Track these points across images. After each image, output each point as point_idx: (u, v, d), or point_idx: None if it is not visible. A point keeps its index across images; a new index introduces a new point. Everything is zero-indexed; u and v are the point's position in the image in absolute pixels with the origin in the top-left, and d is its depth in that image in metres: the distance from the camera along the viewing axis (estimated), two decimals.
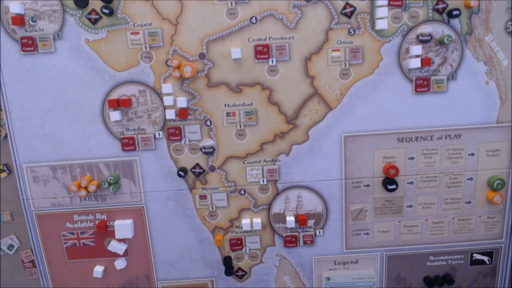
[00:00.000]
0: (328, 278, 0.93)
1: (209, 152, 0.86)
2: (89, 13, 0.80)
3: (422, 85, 0.83)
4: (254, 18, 0.80)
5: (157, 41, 0.81)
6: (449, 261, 0.93)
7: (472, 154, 0.87)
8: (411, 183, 0.88)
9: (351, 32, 0.81)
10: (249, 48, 0.81)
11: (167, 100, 0.82)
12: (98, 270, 0.92)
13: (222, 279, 0.95)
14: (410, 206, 0.90)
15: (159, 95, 0.84)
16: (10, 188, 0.96)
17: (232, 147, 0.86)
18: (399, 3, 0.79)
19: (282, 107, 0.84)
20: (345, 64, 0.82)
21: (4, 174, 0.96)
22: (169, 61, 0.82)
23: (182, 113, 0.83)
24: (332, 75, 0.83)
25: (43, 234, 0.91)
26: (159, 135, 0.86)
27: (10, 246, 1.00)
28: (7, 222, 0.99)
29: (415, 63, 0.80)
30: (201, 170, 0.88)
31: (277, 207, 0.90)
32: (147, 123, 0.85)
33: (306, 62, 0.82)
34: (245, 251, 0.93)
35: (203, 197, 0.89)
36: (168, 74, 0.83)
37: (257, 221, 0.89)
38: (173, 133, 0.85)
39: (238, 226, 0.91)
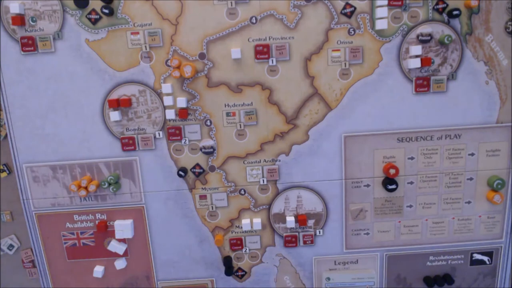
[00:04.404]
0: (328, 278, 0.93)
1: (209, 152, 0.86)
2: (89, 13, 0.80)
3: (422, 85, 0.83)
4: (254, 18, 0.80)
5: (157, 41, 0.81)
6: (449, 261, 0.93)
7: (472, 154, 0.87)
8: (411, 183, 0.88)
9: (351, 32, 0.81)
10: (249, 48, 0.81)
11: (167, 100, 0.83)
12: (98, 270, 0.92)
13: (222, 279, 0.94)
14: (410, 206, 0.90)
15: (159, 95, 0.84)
16: (10, 188, 0.96)
17: (232, 147, 0.86)
18: (399, 3, 0.79)
19: (282, 107, 0.84)
20: (345, 64, 0.82)
21: (4, 174, 0.96)
22: (169, 61, 0.82)
23: (182, 113, 0.83)
24: (332, 75, 0.83)
25: (43, 234, 0.91)
26: (159, 135, 0.86)
27: (10, 246, 1.00)
28: (7, 222, 0.99)
29: (415, 63, 0.80)
30: (201, 170, 0.88)
31: (277, 207, 0.90)
32: (147, 123, 0.85)
33: (306, 62, 0.82)
34: (245, 251, 0.93)
35: (203, 197, 0.89)
36: (168, 74, 0.83)
37: (257, 221, 0.89)
38: (173, 133, 0.85)
39: (238, 226, 0.91)
